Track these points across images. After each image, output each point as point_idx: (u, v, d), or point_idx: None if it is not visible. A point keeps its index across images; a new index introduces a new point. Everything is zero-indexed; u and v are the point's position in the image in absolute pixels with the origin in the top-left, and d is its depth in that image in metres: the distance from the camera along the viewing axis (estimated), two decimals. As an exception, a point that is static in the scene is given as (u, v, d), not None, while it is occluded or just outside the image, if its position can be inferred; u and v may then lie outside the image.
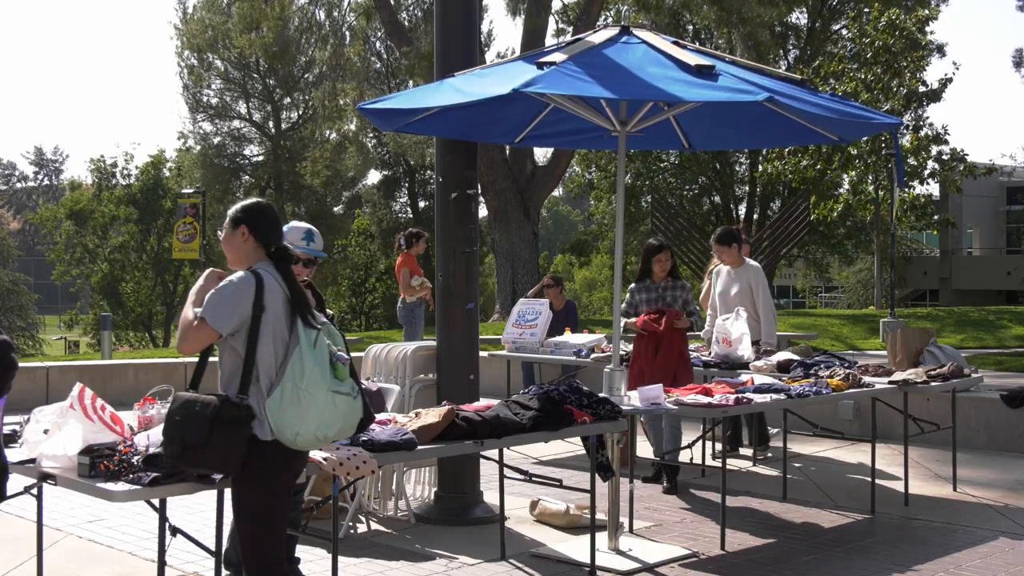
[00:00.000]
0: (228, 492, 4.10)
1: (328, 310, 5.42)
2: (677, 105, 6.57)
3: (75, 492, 4.26)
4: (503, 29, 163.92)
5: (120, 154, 52.32)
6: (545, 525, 6.78)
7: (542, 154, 28.29)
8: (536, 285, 12.49)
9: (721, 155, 31.89)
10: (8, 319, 45.60)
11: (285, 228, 5.32)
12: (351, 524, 6.57)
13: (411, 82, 25.77)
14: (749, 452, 9.07)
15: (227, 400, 3.88)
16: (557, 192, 42.29)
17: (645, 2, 24.96)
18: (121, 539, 6.43)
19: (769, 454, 9.04)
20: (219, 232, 4.33)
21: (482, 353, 8.53)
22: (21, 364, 3.99)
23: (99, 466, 4.04)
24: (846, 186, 26.00)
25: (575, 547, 6.13)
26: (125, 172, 45.55)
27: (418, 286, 12.13)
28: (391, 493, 7.07)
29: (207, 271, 4.19)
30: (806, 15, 32.89)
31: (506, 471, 5.98)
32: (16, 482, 4.22)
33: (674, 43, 6.34)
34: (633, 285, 7.98)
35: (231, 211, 4.25)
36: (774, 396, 6.62)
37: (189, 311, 4.03)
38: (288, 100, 41.72)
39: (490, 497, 6.89)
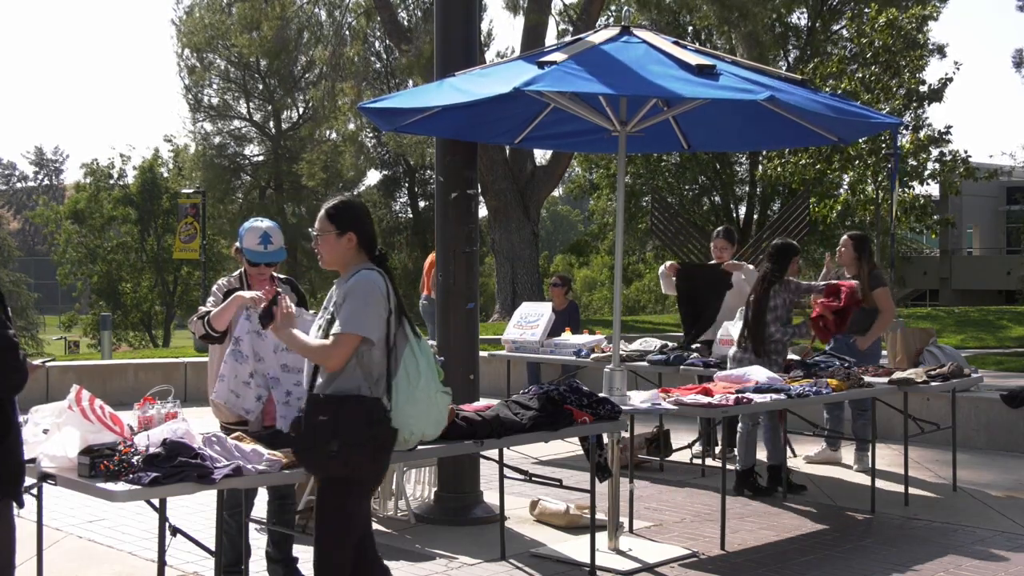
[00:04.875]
0: (215, 495, 4.09)
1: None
2: (677, 105, 6.58)
3: (75, 492, 4.26)
4: (503, 29, 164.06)
5: (115, 155, 52.26)
6: (545, 525, 6.78)
7: (542, 154, 28.26)
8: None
9: (721, 155, 31.83)
10: (9, 319, 45.43)
11: (241, 230, 5.22)
12: (351, 524, 6.56)
13: (411, 82, 25.77)
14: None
15: (377, 400, 3.97)
16: (557, 192, 42.28)
17: (645, 1, 24.93)
18: (121, 539, 6.43)
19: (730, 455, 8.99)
20: (312, 231, 4.20)
21: (482, 353, 8.53)
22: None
23: (99, 466, 4.04)
24: (845, 186, 25.94)
25: (575, 547, 6.13)
26: (122, 172, 45.54)
27: None
28: (391, 493, 7.06)
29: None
30: (806, 15, 32.87)
31: (506, 471, 5.98)
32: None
33: (674, 43, 6.34)
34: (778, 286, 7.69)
35: (331, 213, 4.13)
36: (774, 396, 6.62)
37: (302, 336, 4.00)
38: (288, 100, 41.71)
39: (490, 497, 6.88)
